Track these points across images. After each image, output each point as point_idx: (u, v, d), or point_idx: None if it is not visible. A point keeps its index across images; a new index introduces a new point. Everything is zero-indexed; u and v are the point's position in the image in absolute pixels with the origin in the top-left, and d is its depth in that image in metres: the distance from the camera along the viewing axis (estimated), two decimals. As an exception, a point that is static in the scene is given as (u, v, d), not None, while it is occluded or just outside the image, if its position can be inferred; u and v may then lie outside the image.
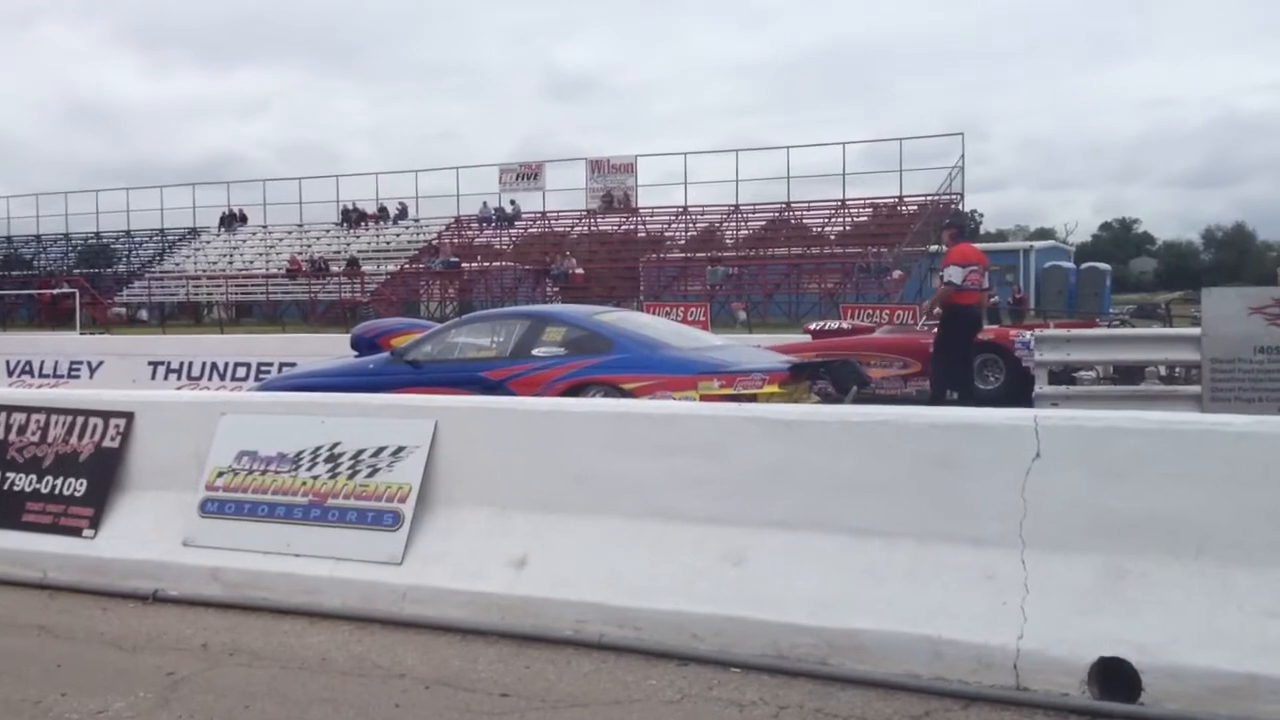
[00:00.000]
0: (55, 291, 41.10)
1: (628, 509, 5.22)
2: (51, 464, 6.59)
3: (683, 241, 43.54)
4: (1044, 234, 72.10)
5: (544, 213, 45.37)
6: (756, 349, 11.76)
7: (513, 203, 45.32)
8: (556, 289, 38.17)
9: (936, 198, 38.43)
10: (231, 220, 50.81)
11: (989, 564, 4.39)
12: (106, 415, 6.58)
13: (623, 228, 44.58)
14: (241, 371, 16.50)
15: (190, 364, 17.08)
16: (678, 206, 43.32)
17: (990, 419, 4.69)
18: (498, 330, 11.03)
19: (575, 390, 9.71)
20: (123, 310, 44.95)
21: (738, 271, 39.60)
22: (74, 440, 6.59)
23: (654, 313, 20.23)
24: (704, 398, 8.89)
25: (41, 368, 18.43)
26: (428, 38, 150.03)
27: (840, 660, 4.39)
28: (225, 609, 5.60)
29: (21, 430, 6.75)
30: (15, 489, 6.59)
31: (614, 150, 70.40)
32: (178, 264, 49.41)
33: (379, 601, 5.37)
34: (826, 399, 9.65)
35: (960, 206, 38.37)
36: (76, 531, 6.31)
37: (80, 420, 6.62)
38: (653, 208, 43.95)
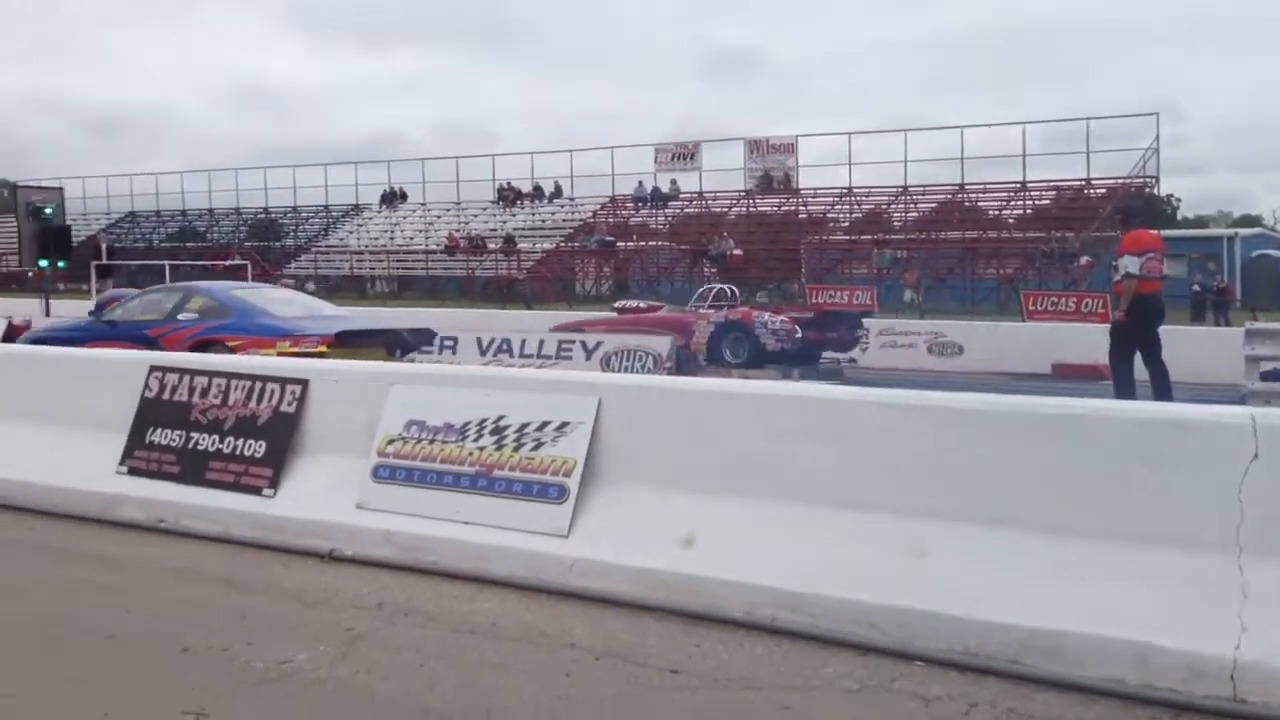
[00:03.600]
0: (228, 263, 42.55)
1: (795, 494, 5.11)
2: (232, 426, 6.78)
3: (846, 224, 42.71)
4: (1250, 221, 68.78)
5: (700, 193, 45.13)
6: (341, 319, 14.55)
7: (673, 182, 45.04)
8: (714, 269, 37.80)
9: (1128, 180, 36.71)
10: (392, 198, 51.96)
11: (1200, 569, 4.15)
12: (283, 382, 6.75)
13: (782, 209, 44.08)
14: (406, 344, 16.81)
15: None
16: (841, 188, 42.34)
17: (1201, 416, 4.43)
18: (162, 300, 14.47)
19: (200, 346, 12.33)
20: (291, 282, 46.35)
21: (907, 254, 38.74)
22: (253, 404, 6.77)
23: (815, 295, 26.70)
24: (280, 353, 11.57)
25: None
26: (584, 17, 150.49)
27: (1034, 661, 4.21)
28: (397, 570, 5.69)
29: (204, 393, 6.96)
30: (199, 448, 6.81)
31: (772, 130, 69.83)
32: (341, 239, 50.77)
33: (546, 572, 5.39)
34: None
35: (1155, 190, 36.78)
36: (256, 490, 6.48)
37: (259, 385, 6.81)
38: (814, 189, 43.23)
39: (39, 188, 29.34)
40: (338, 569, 5.80)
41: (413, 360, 13.06)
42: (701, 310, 20.06)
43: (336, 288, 45.30)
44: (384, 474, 6.11)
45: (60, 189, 30.33)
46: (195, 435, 6.87)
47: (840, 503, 4.99)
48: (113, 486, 6.93)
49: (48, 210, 24.36)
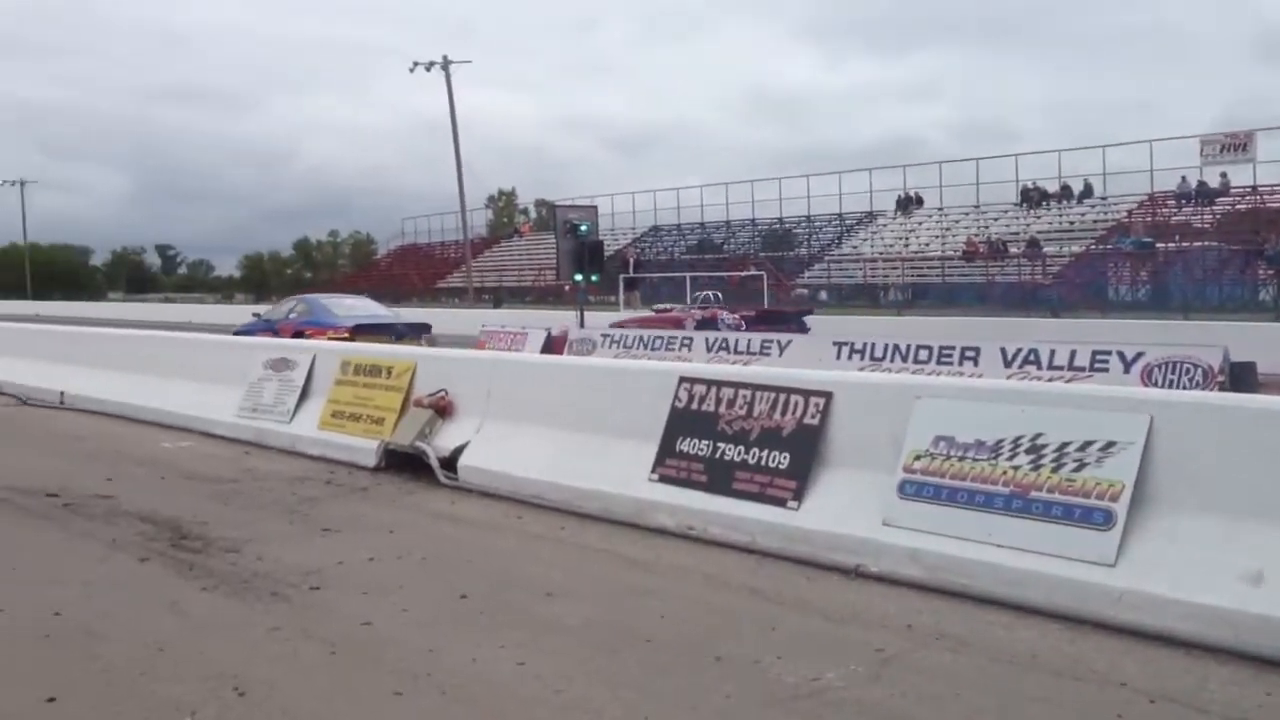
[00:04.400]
0: (744, 274, 44.04)
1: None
2: (757, 437, 6.88)
3: None
4: None
5: (1254, 187, 41.17)
6: (371, 315, 21.64)
7: (1223, 176, 41.36)
8: (1271, 271, 34.26)
9: None
10: (907, 203, 51.60)
11: None
12: (807, 394, 6.76)
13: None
14: (923, 354, 16.56)
15: (872, 345, 17.40)
16: None
17: None
18: (284, 305, 23.04)
19: (296, 333, 18.57)
20: (804, 291, 47.29)
21: None
22: (777, 416, 6.83)
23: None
24: (330, 338, 17.03)
25: (735, 345, 19.73)
26: (1107, 1, 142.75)
27: None
28: (925, 591, 5.53)
29: (730, 404, 7.12)
30: (725, 458, 6.96)
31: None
32: (855, 247, 51.07)
33: (1089, 602, 5.02)
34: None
35: None
36: (781, 502, 6.53)
37: (783, 397, 6.86)
38: None
39: (576, 206, 31.63)
40: (863, 586, 5.71)
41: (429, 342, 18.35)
42: (692, 311, 28.29)
43: (848, 297, 45.68)
44: (910, 490, 5.95)
45: (594, 207, 32.53)
46: (722, 445, 7.04)
47: None
48: (645, 493, 7.24)
49: (583, 228, 26.22)
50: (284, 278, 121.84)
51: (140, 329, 19.31)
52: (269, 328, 20.88)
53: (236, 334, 19.72)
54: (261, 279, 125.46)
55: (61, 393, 14.54)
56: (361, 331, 19.11)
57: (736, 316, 26.03)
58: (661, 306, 32.41)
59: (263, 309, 24.89)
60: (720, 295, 32.62)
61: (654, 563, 6.30)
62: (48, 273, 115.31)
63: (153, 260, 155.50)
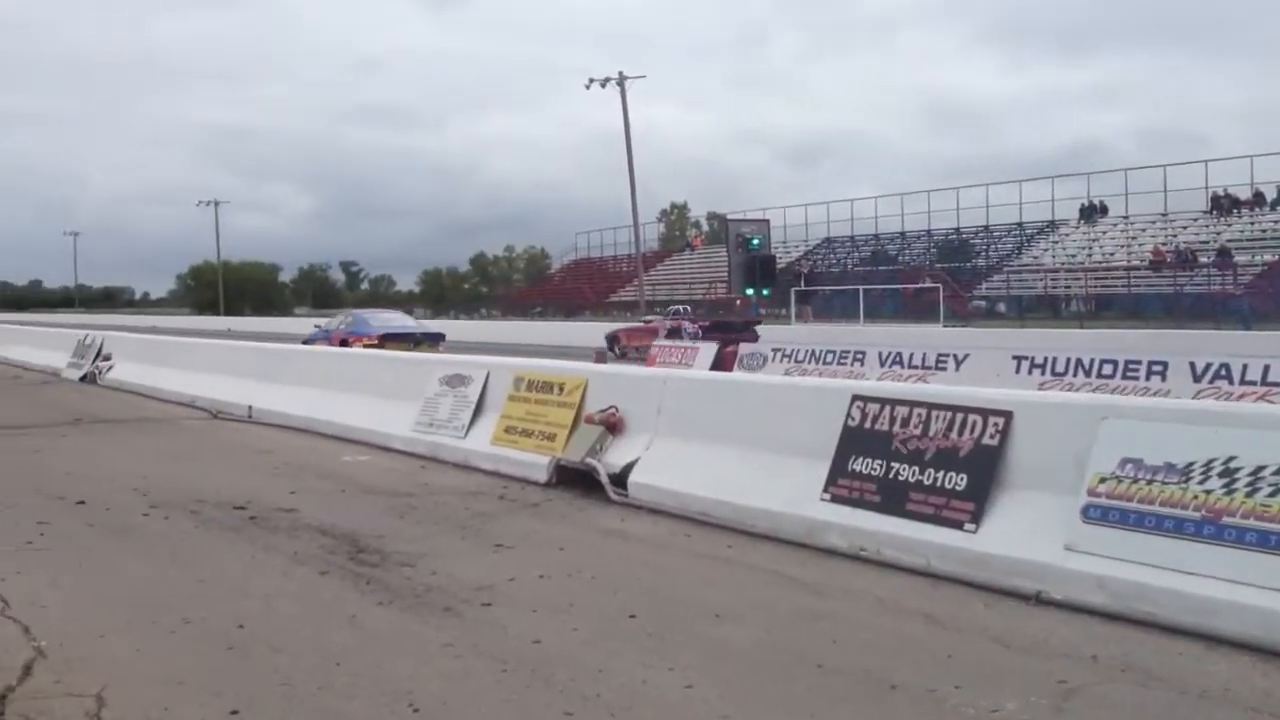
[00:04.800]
0: (918, 286, 43.32)
1: None
2: (932, 457, 6.71)
3: None
4: None
5: None
6: (400, 327, 26.82)
7: None
8: None
9: None
10: (1091, 212, 50.15)
11: None
12: (985, 413, 6.56)
13: None
14: (1108, 369, 15.97)
15: (1054, 359, 16.85)
16: None
17: None
18: (336, 317, 29.05)
19: (342, 342, 23.22)
20: (982, 303, 46.26)
21: None
22: (954, 436, 6.65)
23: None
24: (364, 346, 21.60)
25: (910, 359, 19.36)
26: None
27: None
28: (1109, 620, 5.31)
29: (904, 423, 6.97)
30: (900, 478, 6.81)
31: None
32: (1035, 257, 49.82)
33: (1288, 637, 4.74)
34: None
35: None
36: (957, 524, 6.35)
37: (959, 417, 6.68)
38: None
39: (748, 220, 31.66)
40: (1043, 613, 5.50)
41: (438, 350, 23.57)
42: (664, 321, 35.59)
43: (1028, 309, 44.50)
44: (1095, 515, 5.70)
45: (766, 221, 32.62)
46: (896, 465, 6.89)
47: None
48: (816, 512, 7.13)
49: (755, 241, 26.28)
50: (461, 292, 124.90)
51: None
52: (325, 336, 26.44)
53: (304, 342, 24.84)
54: (440, 293, 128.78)
55: (249, 407, 15.13)
56: (389, 339, 24.53)
57: (696, 326, 31.78)
58: (648, 318, 40.97)
59: (324, 321, 29.90)
60: (689, 308, 38.68)
61: (825, 585, 6.18)
62: (240, 289, 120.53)
63: (337, 276, 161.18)
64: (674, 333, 30.71)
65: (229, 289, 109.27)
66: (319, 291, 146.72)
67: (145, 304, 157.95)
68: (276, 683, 4.54)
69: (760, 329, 29.39)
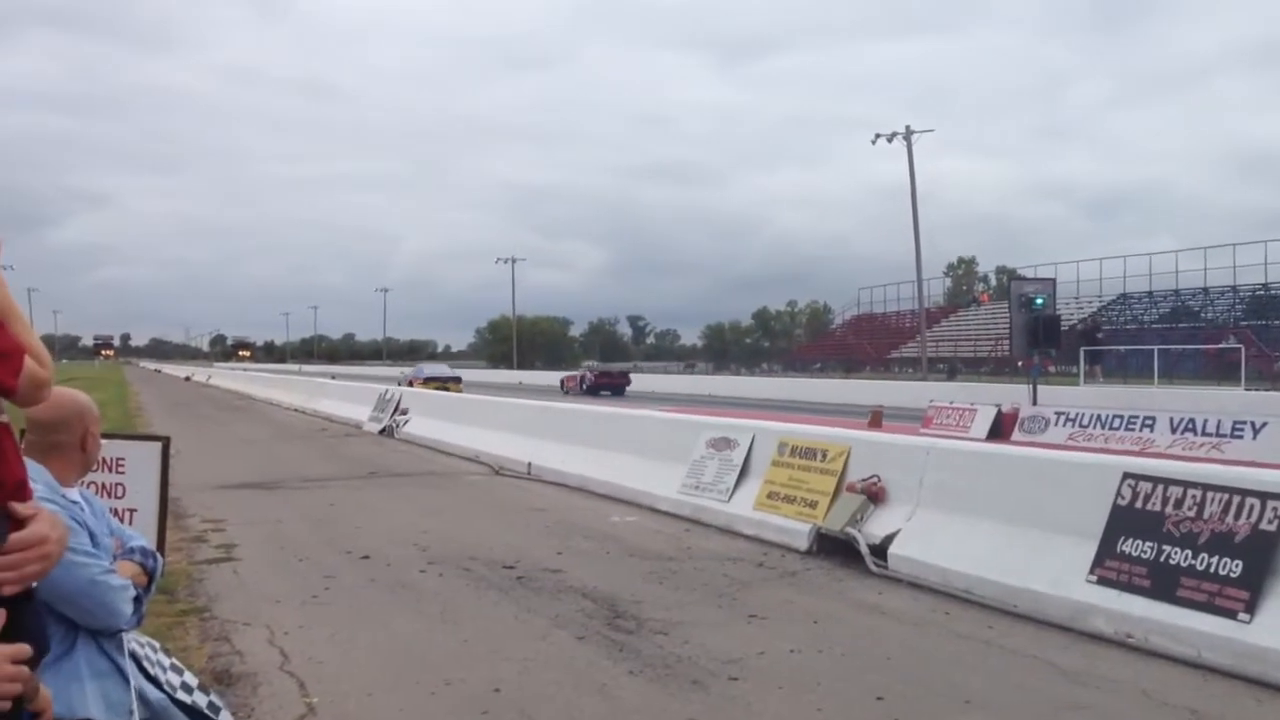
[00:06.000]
0: (1220, 346, 40.92)
1: None
2: (1206, 541, 6.39)
3: None
4: None
5: None
6: (440, 373, 50.17)
7: None
8: None
9: None
10: None
11: None
12: (1264, 497, 6.21)
13: None
14: None
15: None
16: None
17: None
18: (411, 368, 57.85)
19: (409, 383, 40.09)
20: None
21: None
22: (1229, 519, 6.32)
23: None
24: (420, 384, 40.05)
25: (1203, 426, 18.28)
26: None
27: None
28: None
29: (1178, 504, 6.66)
30: (1171, 562, 6.50)
31: None
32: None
33: None
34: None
35: None
36: (1231, 614, 6.02)
37: (1236, 499, 6.35)
38: None
39: (1032, 279, 30.75)
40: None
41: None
42: (583, 374, 55.97)
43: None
44: (1382, 613, 5.31)
45: (1052, 280, 31.49)
46: (1167, 548, 6.58)
47: None
48: (1081, 595, 6.88)
49: (1038, 301, 25.38)
50: (743, 346, 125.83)
51: (595, 403, 20.57)
52: (407, 380, 43.67)
53: (399, 383, 35.63)
54: (722, 347, 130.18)
55: (529, 464, 15.73)
56: (429, 380, 43.34)
57: (593, 375, 54.23)
58: (589, 365, 65.85)
59: (408, 370, 51.17)
60: (597, 362, 59.35)
61: (1086, 673, 5.96)
62: (532, 342, 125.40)
63: (624, 330, 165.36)
64: (582, 380, 53.23)
65: (522, 342, 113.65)
66: (606, 345, 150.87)
67: (445, 356, 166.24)
68: (524, 750, 4.73)
69: (1042, 390, 28.23)
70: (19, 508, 1.90)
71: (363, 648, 6.38)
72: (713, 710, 5.29)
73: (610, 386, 51.20)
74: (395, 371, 70.74)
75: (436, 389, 34.76)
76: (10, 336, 1.92)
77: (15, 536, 1.85)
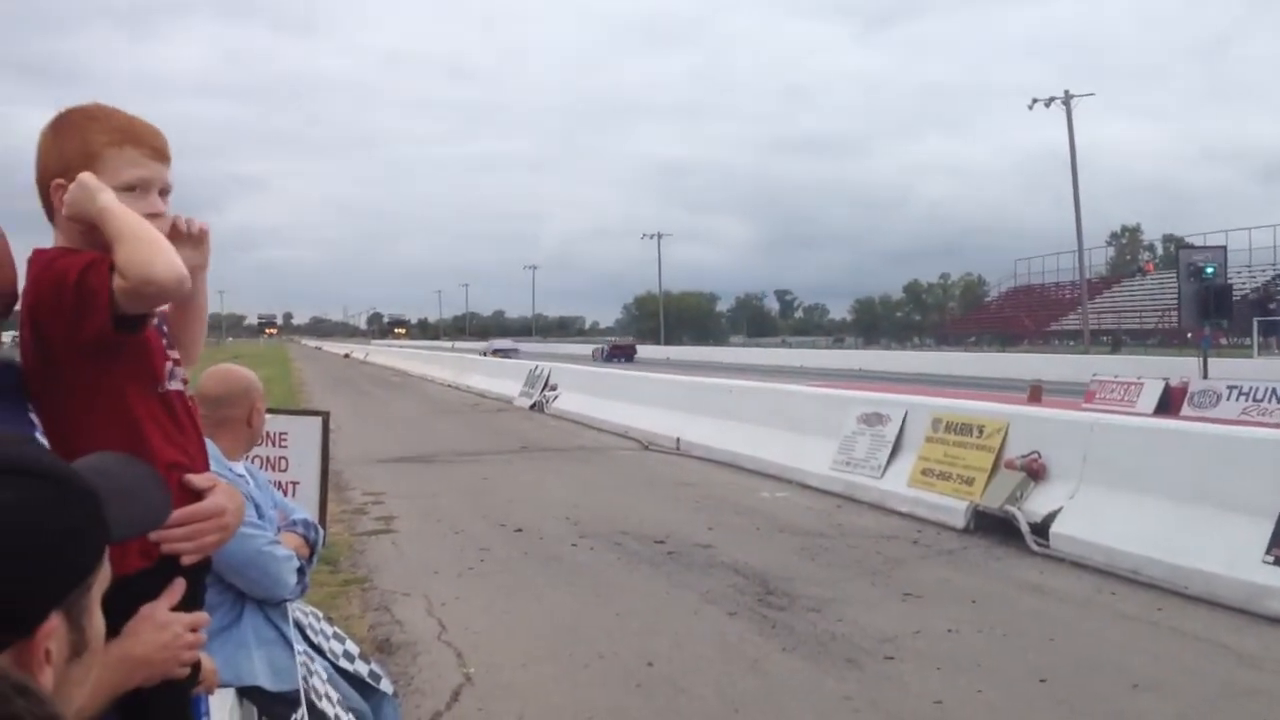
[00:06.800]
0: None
1: None
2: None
3: None
4: None
5: None
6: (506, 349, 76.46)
7: None
8: None
9: None
10: None
11: None
12: None
13: None
14: None
15: None
16: None
17: None
18: (485, 343, 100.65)
19: (494, 352, 66.73)
20: None
21: None
22: None
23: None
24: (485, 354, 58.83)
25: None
26: None
27: None
28: None
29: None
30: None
31: None
32: None
33: None
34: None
35: None
36: None
37: None
38: None
39: (1201, 247, 29.56)
40: None
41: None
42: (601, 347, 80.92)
43: None
44: None
45: (1222, 248, 30.23)
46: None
47: None
48: (1257, 576, 6.57)
49: (1209, 270, 24.33)
50: (894, 320, 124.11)
51: (743, 378, 20.49)
52: (494, 350, 67.19)
53: (483, 353, 49.30)
54: (872, 321, 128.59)
55: (677, 439, 15.74)
56: (495, 352, 63.02)
57: (609, 347, 73.07)
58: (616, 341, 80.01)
59: (484, 344, 66.72)
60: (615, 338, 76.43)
61: (1261, 658, 5.68)
62: (679, 318, 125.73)
63: (771, 305, 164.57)
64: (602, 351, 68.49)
65: (669, 317, 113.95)
66: (754, 320, 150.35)
67: (594, 332, 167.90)
68: (677, 725, 4.72)
69: (1213, 362, 27.13)
70: (197, 479, 1.91)
71: (517, 620, 6.44)
72: (868, 689, 5.19)
73: (622, 355, 70.23)
74: (541, 348, 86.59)
75: (501, 358, 46.46)
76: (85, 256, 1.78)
77: (194, 508, 1.86)
